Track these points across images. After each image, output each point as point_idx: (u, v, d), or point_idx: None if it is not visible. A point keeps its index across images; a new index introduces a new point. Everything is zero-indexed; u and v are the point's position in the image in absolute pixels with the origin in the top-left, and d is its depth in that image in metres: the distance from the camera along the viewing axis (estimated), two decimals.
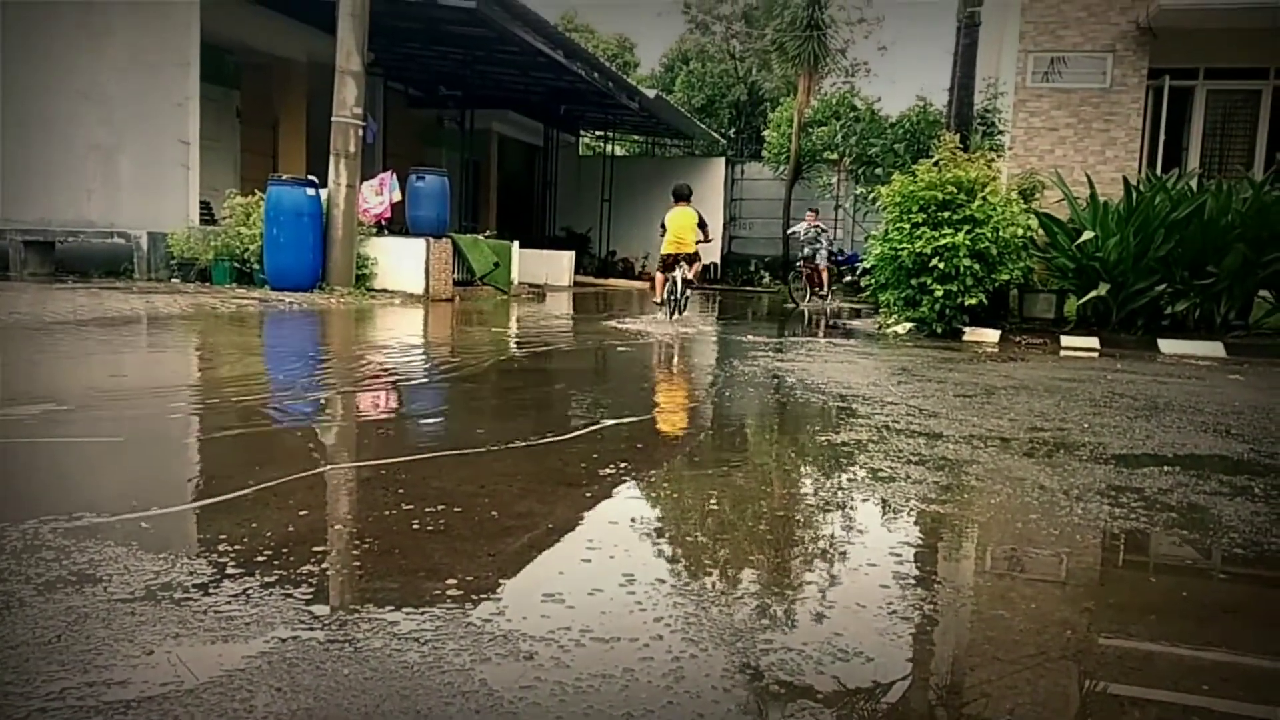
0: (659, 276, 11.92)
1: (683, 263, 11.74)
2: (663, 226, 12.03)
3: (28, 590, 2.06)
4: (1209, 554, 2.84)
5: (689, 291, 12.14)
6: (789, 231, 19.81)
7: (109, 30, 12.70)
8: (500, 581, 2.31)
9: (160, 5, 12.62)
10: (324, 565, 2.34)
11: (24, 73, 12.81)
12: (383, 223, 13.85)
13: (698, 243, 11.82)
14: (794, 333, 11.59)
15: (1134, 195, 10.95)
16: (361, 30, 12.08)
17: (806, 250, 17.53)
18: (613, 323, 11.22)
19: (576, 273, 20.34)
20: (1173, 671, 2.02)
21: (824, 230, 17.98)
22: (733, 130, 31.40)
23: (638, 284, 22.52)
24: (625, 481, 3.42)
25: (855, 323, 12.93)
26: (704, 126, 27.65)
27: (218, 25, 13.24)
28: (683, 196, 12.19)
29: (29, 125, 12.85)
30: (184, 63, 12.57)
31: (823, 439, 4.42)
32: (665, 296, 11.70)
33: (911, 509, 3.13)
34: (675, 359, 8.19)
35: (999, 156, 12.90)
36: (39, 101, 12.82)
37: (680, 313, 11.80)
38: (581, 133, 29.44)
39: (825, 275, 17.67)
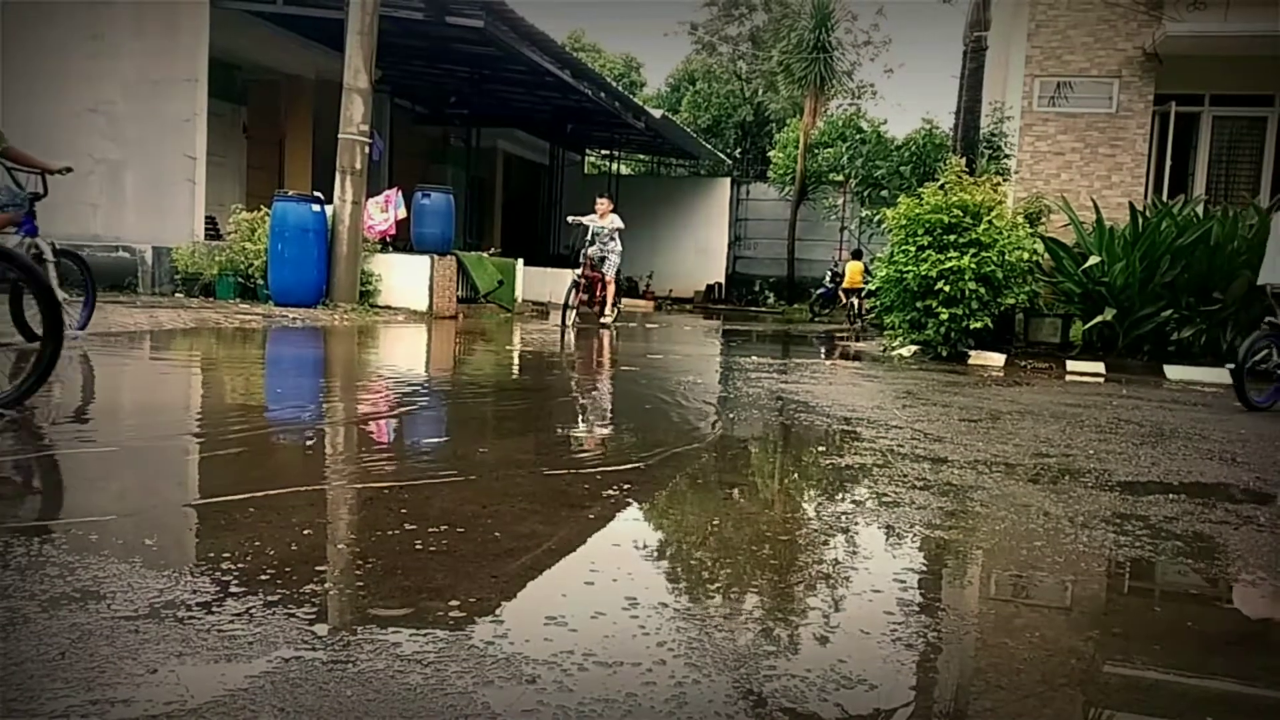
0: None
1: (854, 295, 19.15)
2: (839, 273, 20.77)
3: (32, 606, 2.06)
4: (1215, 583, 2.83)
5: (862, 311, 18.61)
6: (571, 220, 14.31)
7: (117, 47, 12.77)
8: (502, 603, 2.31)
9: (169, 22, 12.70)
10: (327, 585, 2.34)
11: (31, 88, 12.86)
12: (388, 239, 13.89)
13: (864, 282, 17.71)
14: (799, 353, 11.59)
15: (1140, 221, 10.97)
16: (369, 48, 12.13)
17: (593, 249, 13.46)
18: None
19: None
20: (1178, 702, 2.01)
21: (620, 230, 13.68)
22: (738, 151, 31.50)
23: (641, 303, 22.55)
24: (628, 503, 3.41)
25: (860, 345, 12.93)
26: (710, 147, 27.73)
27: (226, 42, 13.31)
28: (857, 255, 20.37)
29: (35, 140, 12.75)
30: (192, 79, 12.64)
31: (826, 462, 4.42)
32: (846, 314, 19.99)
33: (916, 534, 3.12)
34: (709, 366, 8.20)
35: (1005, 180, 12.88)
36: (46, 116, 12.86)
37: (859, 323, 18.76)
38: (587, 151, 29.53)
39: (611, 290, 13.65)
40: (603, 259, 13.41)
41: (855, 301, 19.32)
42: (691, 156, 28.29)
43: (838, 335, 15.50)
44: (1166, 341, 10.86)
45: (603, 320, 13.48)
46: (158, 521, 2.89)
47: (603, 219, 13.50)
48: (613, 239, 13.47)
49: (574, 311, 12.99)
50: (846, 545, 3.02)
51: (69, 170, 7.00)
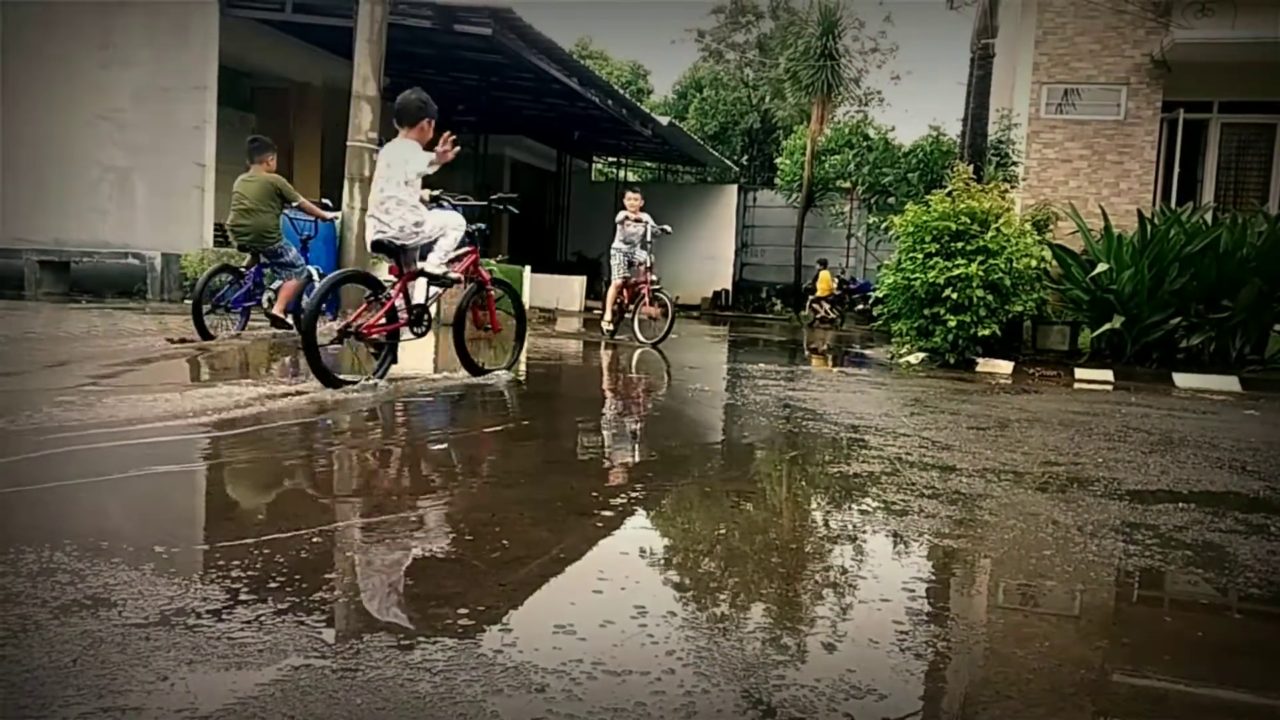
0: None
1: (824, 301, 20.63)
2: (813, 282, 21.62)
3: (43, 614, 2.06)
4: (1224, 592, 2.82)
5: (832, 315, 20.46)
6: (620, 217, 12.13)
7: (128, 56, 12.85)
8: (511, 612, 2.31)
9: (179, 30, 12.78)
10: (336, 592, 2.34)
11: (42, 96, 12.96)
12: None
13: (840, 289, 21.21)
14: (806, 360, 11.58)
15: (1148, 228, 10.94)
16: (378, 56, 12.16)
17: (638, 253, 12.03)
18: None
19: (587, 297, 20.38)
20: (1187, 711, 2.01)
21: (654, 234, 12.17)
22: (745, 158, 31.49)
23: (648, 309, 22.52)
24: (635, 510, 3.41)
25: (867, 352, 12.91)
26: (717, 154, 27.73)
27: (235, 50, 13.38)
28: (824, 264, 21.50)
29: (46, 147, 12.98)
30: (201, 86, 12.72)
31: (835, 470, 4.41)
32: (813, 317, 20.73)
33: (925, 543, 3.12)
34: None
35: (1012, 187, 12.88)
36: (57, 124, 12.96)
37: (838, 326, 19.95)
38: (594, 159, 29.56)
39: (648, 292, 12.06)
40: (633, 257, 12.07)
41: (826, 306, 20.94)
42: (699, 164, 28.31)
43: (843, 341, 15.49)
44: (1175, 349, 10.82)
45: (647, 316, 12.17)
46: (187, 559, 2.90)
47: (637, 217, 11.99)
48: (644, 238, 12.05)
49: (622, 313, 12.07)
50: (854, 554, 3.02)
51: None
